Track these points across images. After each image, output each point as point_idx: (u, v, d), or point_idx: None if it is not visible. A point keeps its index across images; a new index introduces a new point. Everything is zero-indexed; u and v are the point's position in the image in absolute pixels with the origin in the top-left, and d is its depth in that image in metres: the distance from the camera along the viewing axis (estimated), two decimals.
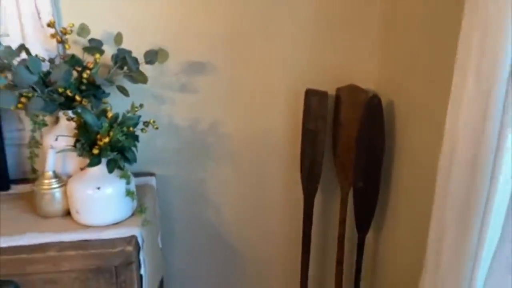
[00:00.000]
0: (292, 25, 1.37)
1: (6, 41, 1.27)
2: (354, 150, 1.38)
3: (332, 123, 1.45)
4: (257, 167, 1.52)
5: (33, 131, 1.23)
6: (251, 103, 1.44)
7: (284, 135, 1.49)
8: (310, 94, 1.38)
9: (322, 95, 1.37)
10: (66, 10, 1.29)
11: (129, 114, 1.11)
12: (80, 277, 1.03)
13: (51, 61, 1.20)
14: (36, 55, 1.14)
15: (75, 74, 1.17)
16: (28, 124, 1.34)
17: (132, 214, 1.15)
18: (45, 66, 1.18)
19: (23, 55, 1.16)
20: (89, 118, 1.04)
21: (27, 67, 1.02)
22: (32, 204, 1.18)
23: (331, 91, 1.42)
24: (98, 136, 1.06)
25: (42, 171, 1.16)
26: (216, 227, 1.57)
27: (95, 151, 1.05)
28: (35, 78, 1.03)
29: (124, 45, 1.23)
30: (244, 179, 1.53)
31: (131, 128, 1.09)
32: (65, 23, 1.25)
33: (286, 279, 1.67)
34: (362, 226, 1.43)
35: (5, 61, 1.14)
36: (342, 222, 1.47)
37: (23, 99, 1.09)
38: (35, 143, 1.24)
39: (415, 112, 1.18)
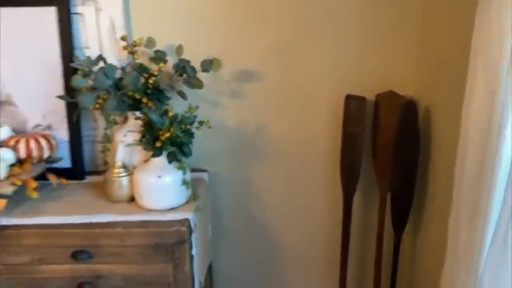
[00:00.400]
0: (334, 36, 1.49)
1: (87, 53, 1.50)
2: (391, 153, 1.46)
3: (371, 127, 1.54)
4: (299, 168, 1.64)
5: (106, 128, 1.44)
6: (295, 108, 1.57)
7: (325, 138, 1.60)
8: (350, 99, 1.49)
9: (361, 100, 1.48)
10: (136, 26, 1.50)
11: (187, 114, 1.28)
12: (141, 252, 1.21)
13: (123, 69, 1.40)
14: (111, 64, 1.35)
15: (142, 80, 1.36)
16: (101, 123, 1.56)
17: (187, 202, 1.31)
18: (118, 73, 1.38)
19: (101, 63, 1.38)
20: (154, 117, 1.23)
21: (104, 73, 1.22)
22: (103, 191, 1.38)
23: (371, 97, 1.51)
24: (160, 132, 1.24)
25: (112, 162, 1.36)
26: (260, 223, 1.70)
27: (158, 144, 1.23)
28: (110, 82, 1.24)
29: (183, 55, 1.41)
30: (287, 179, 1.65)
31: (188, 126, 1.26)
32: (135, 37, 1.46)
33: (325, 277, 1.76)
34: (399, 226, 1.50)
35: (86, 68, 1.36)
36: (381, 221, 1.55)
37: (100, 101, 1.30)
38: (107, 139, 1.45)
39: (450, 117, 1.25)
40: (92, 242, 1.20)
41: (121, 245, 1.20)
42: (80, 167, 1.54)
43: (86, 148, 1.57)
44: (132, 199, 1.34)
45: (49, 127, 1.53)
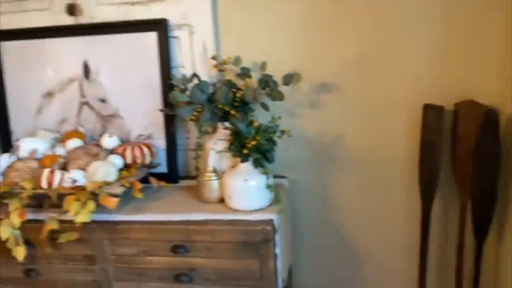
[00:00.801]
0: (411, 46, 1.54)
1: (181, 71, 1.70)
2: (472, 162, 1.46)
3: (450, 135, 1.56)
4: (376, 176, 1.69)
5: (198, 137, 1.61)
6: (372, 118, 1.63)
7: (403, 147, 1.64)
8: (428, 109, 1.53)
9: (439, 109, 1.51)
10: (224, 46, 1.67)
11: (270, 124, 1.41)
12: (231, 248, 1.34)
13: (213, 84, 1.57)
14: (205, 80, 1.52)
15: (230, 94, 1.51)
16: (192, 134, 1.74)
17: (270, 204, 1.43)
18: (209, 89, 1.55)
19: (195, 80, 1.56)
20: (241, 126, 1.37)
21: (200, 89, 1.39)
22: (196, 193, 1.54)
23: (449, 106, 1.53)
24: (247, 141, 1.38)
25: (204, 167, 1.52)
26: (338, 229, 1.77)
27: (245, 151, 1.36)
28: (205, 97, 1.40)
29: (266, 71, 1.54)
30: (364, 187, 1.71)
31: (271, 135, 1.38)
32: (223, 56, 1.62)
33: (404, 285, 1.77)
34: (481, 234, 1.49)
35: (182, 86, 1.54)
36: (461, 230, 1.55)
37: (195, 113, 1.47)
38: (200, 147, 1.62)
39: None
40: (188, 238, 1.36)
41: (213, 241, 1.34)
42: (175, 172, 1.73)
43: (180, 155, 1.76)
44: (221, 200, 1.49)
45: (149, 137, 1.74)
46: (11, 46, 1.80)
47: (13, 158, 1.62)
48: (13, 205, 1.42)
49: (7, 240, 1.40)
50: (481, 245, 1.50)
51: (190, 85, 1.54)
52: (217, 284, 1.38)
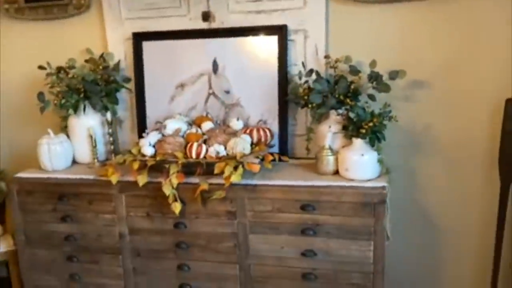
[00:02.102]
0: (493, 49, 1.84)
1: (294, 68, 2.04)
2: None
3: None
4: (459, 161, 1.98)
5: (311, 123, 1.95)
6: (459, 110, 1.94)
7: (485, 136, 1.93)
8: (509, 103, 1.83)
9: None
10: (332, 48, 2.01)
11: (382, 110, 1.73)
12: (352, 207, 1.67)
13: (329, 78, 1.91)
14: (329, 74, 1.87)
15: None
16: (299, 121, 2.07)
17: (379, 175, 1.75)
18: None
19: (313, 75, 1.90)
20: (360, 112, 1.71)
21: (327, 80, 1.74)
22: (310, 168, 1.88)
23: None
24: (364, 123, 1.71)
25: (320, 146, 1.85)
26: (424, 206, 2.06)
27: (363, 131, 1.69)
28: (330, 88, 1.75)
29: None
30: (448, 171, 2.00)
31: (384, 118, 1.71)
32: (332, 56, 1.96)
33: (478, 258, 2.05)
34: None
35: (299, 80, 1.90)
36: None
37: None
38: (311, 130, 1.96)
39: None
40: (316, 198, 1.69)
41: (337, 201, 1.67)
42: (285, 152, 2.06)
43: (288, 139, 2.10)
44: (335, 173, 1.82)
45: (265, 122, 2.09)
46: (151, 45, 2.20)
47: (159, 135, 1.99)
48: (172, 169, 1.79)
49: (168, 196, 1.77)
50: None
51: (307, 79, 1.90)
52: (337, 237, 1.70)
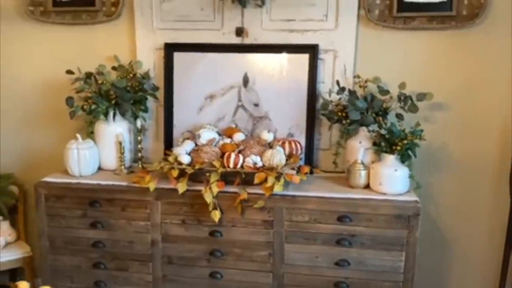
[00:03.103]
0: (501, 74, 2.02)
1: (321, 86, 2.15)
2: None
3: None
4: (471, 177, 2.14)
5: (341, 137, 2.06)
6: (472, 131, 2.10)
7: (495, 154, 2.09)
8: None
9: None
10: (359, 68, 2.13)
11: (414, 129, 1.86)
12: (386, 219, 1.77)
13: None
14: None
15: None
16: (323, 135, 2.17)
17: (409, 190, 1.87)
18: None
19: (345, 93, 2.01)
20: (395, 129, 1.82)
21: (365, 98, 1.85)
22: (339, 181, 1.97)
23: None
24: (397, 140, 1.83)
25: (351, 160, 1.95)
26: (434, 219, 2.20)
27: (398, 148, 1.81)
28: (366, 105, 1.86)
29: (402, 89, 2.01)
30: (460, 186, 2.15)
31: (417, 136, 1.83)
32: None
33: (486, 271, 2.20)
34: None
35: (328, 97, 2.00)
36: None
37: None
38: (339, 145, 2.07)
39: None
40: (353, 210, 1.78)
41: (373, 213, 1.77)
42: (311, 165, 2.15)
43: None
44: (365, 186, 1.92)
45: (292, 136, 2.17)
46: (182, 56, 2.24)
47: (193, 144, 2.04)
48: (213, 178, 1.83)
49: (208, 204, 1.81)
50: None
51: (338, 96, 2.01)
52: (371, 248, 1.79)
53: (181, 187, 1.83)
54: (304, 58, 2.14)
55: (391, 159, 1.86)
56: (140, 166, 2.18)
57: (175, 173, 1.87)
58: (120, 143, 2.13)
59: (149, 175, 1.89)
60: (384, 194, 1.84)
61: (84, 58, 2.30)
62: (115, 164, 2.17)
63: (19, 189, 2.38)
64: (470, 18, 2.02)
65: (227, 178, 1.87)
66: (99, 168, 2.17)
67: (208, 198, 1.80)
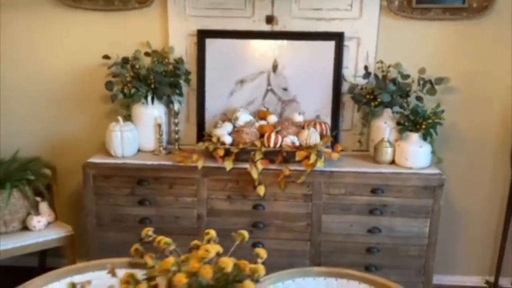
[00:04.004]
0: (506, 60, 2.27)
1: (345, 71, 2.33)
2: None
3: None
4: (478, 155, 2.39)
5: (362, 119, 2.26)
6: (479, 112, 2.35)
7: (498, 131, 2.35)
8: None
9: None
10: (380, 55, 2.32)
11: (436, 110, 2.08)
12: (414, 190, 1.99)
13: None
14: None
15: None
16: (346, 117, 2.37)
17: (431, 165, 2.10)
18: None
19: (371, 77, 2.20)
20: (420, 110, 2.04)
21: (394, 83, 2.05)
22: (366, 158, 2.18)
23: None
24: (421, 120, 2.04)
25: (379, 139, 2.15)
26: (445, 190, 2.44)
27: (423, 127, 2.02)
28: (395, 88, 2.06)
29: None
30: (467, 160, 2.40)
31: (439, 116, 2.05)
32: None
33: (487, 233, 2.48)
34: None
35: (353, 81, 2.19)
36: None
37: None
38: (364, 126, 2.26)
39: None
40: (385, 183, 1.99)
41: (402, 185, 1.99)
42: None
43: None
44: (391, 162, 2.13)
45: (319, 117, 2.35)
46: (214, 42, 2.36)
47: (231, 125, 2.18)
48: (257, 156, 1.99)
49: (254, 180, 1.97)
50: None
51: (361, 80, 2.20)
52: (400, 216, 2.01)
53: (228, 165, 1.98)
54: (330, 45, 2.31)
55: (415, 137, 2.07)
56: (176, 147, 2.30)
57: (221, 152, 2.01)
58: (160, 126, 2.24)
59: (196, 154, 2.02)
60: (410, 168, 2.06)
61: (115, 44, 2.37)
62: (152, 145, 2.29)
63: (52, 171, 2.44)
64: (479, 10, 2.24)
65: (268, 156, 2.03)
66: (138, 150, 2.28)
67: (255, 174, 1.96)
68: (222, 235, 2.08)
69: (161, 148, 2.26)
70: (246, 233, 0.94)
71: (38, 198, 2.28)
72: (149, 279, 0.81)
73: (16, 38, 2.42)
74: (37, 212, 2.24)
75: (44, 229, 2.22)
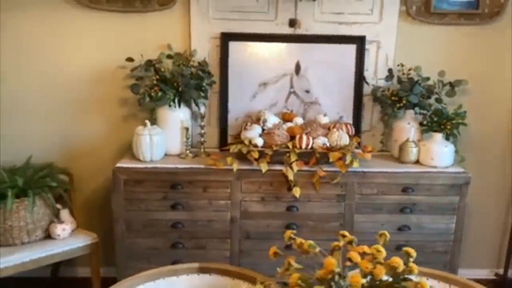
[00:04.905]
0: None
1: (365, 73, 2.39)
2: None
3: None
4: (487, 153, 2.51)
5: (388, 120, 2.32)
6: (489, 112, 2.47)
7: (506, 131, 2.48)
8: None
9: None
10: (398, 58, 2.40)
11: (456, 111, 2.17)
12: (443, 188, 2.07)
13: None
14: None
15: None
16: (365, 118, 2.43)
17: (454, 163, 2.19)
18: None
19: (393, 79, 2.28)
20: (444, 111, 2.12)
21: (419, 85, 2.12)
22: (390, 158, 2.25)
23: None
24: (445, 121, 2.13)
25: (402, 140, 2.23)
26: None
27: (448, 127, 2.11)
28: (421, 92, 2.14)
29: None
30: (478, 161, 2.51)
31: (461, 117, 2.14)
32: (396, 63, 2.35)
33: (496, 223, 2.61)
34: None
35: (374, 83, 2.26)
36: None
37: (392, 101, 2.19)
38: (386, 127, 2.33)
39: None
40: (415, 182, 2.06)
41: (431, 184, 2.06)
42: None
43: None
44: (416, 162, 2.20)
45: (342, 119, 2.40)
46: (237, 45, 2.37)
47: (259, 127, 2.19)
48: (292, 157, 2.01)
49: (289, 182, 1.99)
50: None
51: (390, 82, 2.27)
52: (428, 213, 2.09)
53: (264, 167, 2.00)
54: (352, 48, 2.37)
55: (439, 137, 2.16)
56: (202, 150, 2.29)
57: (255, 154, 2.02)
58: (187, 129, 2.22)
59: (230, 157, 2.02)
60: (435, 167, 2.14)
61: (133, 47, 2.33)
62: (178, 149, 2.27)
63: (69, 177, 2.37)
64: (491, 15, 2.36)
65: (301, 157, 2.06)
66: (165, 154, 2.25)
67: (290, 176, 1.98)
68: (255, 238, 2.11)
69: (188, 151, 2.24)
70: (387, 234, 0.93)
71: (58, 206, 2.21)
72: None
73: (31, 40, 2.34)
74: (60, 220, 2.16)
75: (68, 237, 2.15)
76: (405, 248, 0.95)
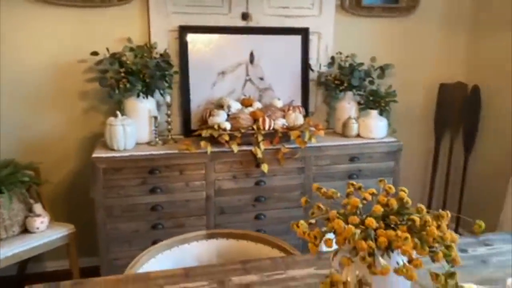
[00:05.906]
0: (430, 50, 2.92)
1: (310, 62, 2.73)
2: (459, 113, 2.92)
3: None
4: (410, 123, 3.01)
5: (330, 101, 2.69)
6: (411, 90, 2.95)
7: (427, 107, 3.00)
8: (441, 86, 2.93)
9: (448, 85, 2.92)
10: (337, 46, 2.77)
11: (390, 90, 2.60)
12: (381, 156, 2.49)
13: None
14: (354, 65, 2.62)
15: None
16: (311, 100, 2.78)
17: (388, 134, 2.62)
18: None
19: (335, 66, 2.64)
20: (379, 91, 2.53)
21: (358, 70, 2.50)
22: (335, 134, 2.62)
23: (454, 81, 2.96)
24: (379, 100, 2.55)
25: (345, 117, 2.61)
26: None
27: (383, 105, 2.53)
28: (361, 76, 2.52)
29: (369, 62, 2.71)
30: (403, 130, 3.00)
31: (394, 95, 2.57)
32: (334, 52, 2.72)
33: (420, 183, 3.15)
34: (466, 150, 2.96)
35: (316, 69, 2.61)
36: (451, 147, 2.99)
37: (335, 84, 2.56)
38: (329, 107, 2.70)
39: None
40: (360, 151, 2.45)
41: (372, 152, 2.47)
42: None
43: None
44: (357, 135, 2.60)
45: (292, 102, 2.71)
46: (195, 37, 2.55)
47: (224, 113, 2.42)
48: (260, 138, 2.28)
49: (258, 159, 2.26)
50: (467, 158, 2.98)
51: (328, 69, 2.63)
52: (370, 177, 2.49)
53: (235, 148, 2.24)
54: (297, 39, 2.68)
55: (375, 113, 2.57)
56: (170, 137, 2.45)
57: (226, 137, 2.25)
58: (155, 118, 2.37)
59: (204, 141, 2.23)
60: (373, 138, 2.55)
61: (94, 41, 2.41)
62: (147, 137, 2.41)
63: (35, 172, 2.39)
64: (408, 9, 2.82)
65: (266, 137, 2.33)
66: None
67: (259, 154, 2.25)
68: (229, 212, 2.35)
69: (157, 139, 2.39)
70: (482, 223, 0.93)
71: (31, 200, 2.24)
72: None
73: None
74: (36, 214, 2.20)
75: (46, 230, 2.20)
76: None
